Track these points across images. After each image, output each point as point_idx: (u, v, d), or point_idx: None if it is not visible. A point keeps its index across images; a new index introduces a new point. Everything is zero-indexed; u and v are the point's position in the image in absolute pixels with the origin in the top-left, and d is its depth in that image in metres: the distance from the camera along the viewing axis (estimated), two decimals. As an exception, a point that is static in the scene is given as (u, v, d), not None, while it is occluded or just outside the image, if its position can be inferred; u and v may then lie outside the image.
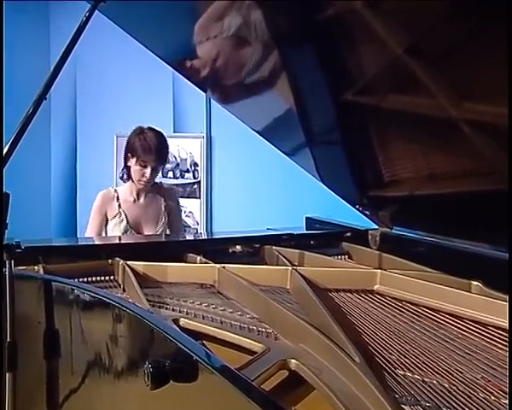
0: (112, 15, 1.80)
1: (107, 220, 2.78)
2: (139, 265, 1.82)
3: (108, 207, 2.78)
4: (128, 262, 1.82)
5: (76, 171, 4.97)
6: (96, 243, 2.54)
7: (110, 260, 1.90)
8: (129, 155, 2.75)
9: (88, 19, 1.36)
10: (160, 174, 2.93)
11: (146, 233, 2.80)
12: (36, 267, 1.81)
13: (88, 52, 4.31)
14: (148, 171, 2.70)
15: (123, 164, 2.83)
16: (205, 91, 2.35)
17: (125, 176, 2.83)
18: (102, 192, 2.84)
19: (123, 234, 2.74)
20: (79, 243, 2.58)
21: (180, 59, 2.02)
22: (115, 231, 2.76)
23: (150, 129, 2.76)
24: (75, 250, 2.09)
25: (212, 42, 1.79)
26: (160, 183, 2.96)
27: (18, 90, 4.43)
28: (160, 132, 2.76)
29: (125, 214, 2.77)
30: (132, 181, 2.79)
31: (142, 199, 2.83)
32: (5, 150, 1.30)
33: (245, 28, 1.68)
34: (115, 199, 2.79)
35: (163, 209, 2.85)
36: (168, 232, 2.86)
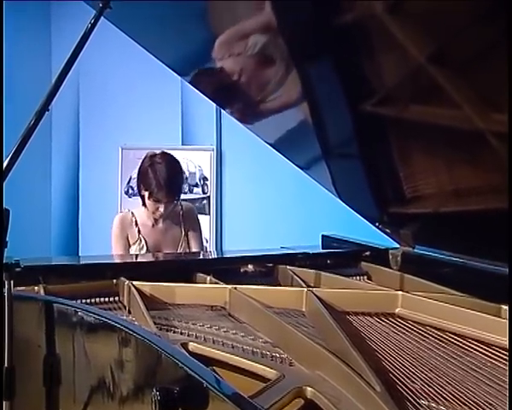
0: (117, 21, 1.82)
1: (129, 245, 2.79)
2: (145, 285, 1.82)
3: (129, 232, 2.80)
4: (134, 282, 1.83)
5: (78, 185, 4.99)
6: (100, 261, 2.54)
7: (115, 280, 1.91)
8: (142, 186, 2.75)
9: (93, 26, 1.37)
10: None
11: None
12: (36, 288, 1.82)
13: (92, 59, 4.33)
14: (161, 207, 2.71)
15: (137, 191, 2.83)
16: (223, 108, 2.36)
17: (141, 201, 2.82)
18: (120, 216, 2.86)
19: None
20: (82, 262, 2.59)
21: (197, 73, 2.04)
22: None
23: (162, 157, 2.73)
24: (77, 269, 2.10)
25: (235, 59, 1.80)
26: (180, 203, 2.96)
27: (19, 94, 4.50)
28: (171, 162, 2.75)
29: (145, 240, 2.78)
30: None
31: (160, 223, 2.83)
32: (5, 164, 1.30)
33: (270, 46, 1.70)
34: (134, 223, 2.80)
35: (182, 234, 2.86)
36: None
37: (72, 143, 5.15)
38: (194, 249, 2.90)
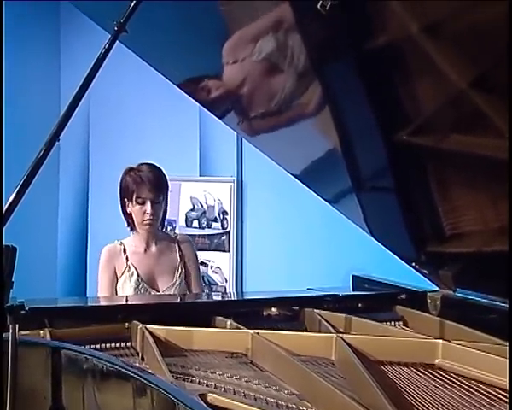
0: (132, 45, 1.85)
1: (117, 278, 2.81)
2: (160, 329, 1.83)
3: (116, 262, 2.83)
4: (148, 326, 1.83)
5: (87, 220, 5.02)
6: (110, 303, 2.56)
7: (127, 324, 1.91)
8: (125, 200, 2.82)
9: (108, 50, 1.40)
10: (183, 223, 2.96)
11: (161, 286, 2.82)
12: (41, 332, 1.83)
13: (103, 85, 4.40)
14: (147, 206, 2.75)
15: (122, 214, 2.88)
16: (221, 117, 2.34)
17: (129, 226, 2.88)
18: (107, 247, 2.89)
19: (135, 290, 2.77)
20: (91, 304, 2.59)
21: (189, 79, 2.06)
22: (126, 288, 2.79)
23: (141, 164, 2.84)
24: (86, 312, 2.11)
25: (240, 65, 1.82)
26: (174, 233, 2.99)
27: (26, 121, 4.59)
28: (152, 164, 2.84)
29: (135, 267, 2.80)
30: (136, 230, 2.84)
31: (153, 248, 2.86)
32: (10, 199, 1.32)
33: (279, 53, 1.71)
34: (122, 252, 2.84)
35: (179, 259, 2.88)
36: (186, 287, 2.87)
37: (81, 176, 5.19)
38: (192, 277, 2.90)
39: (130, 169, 2.82)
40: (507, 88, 1.08)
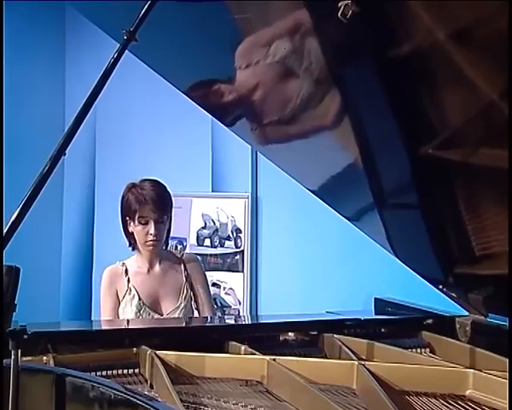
0: (139, 52, 1.86)
1: (119, 302, 2.82)
2: (170, 355, 1.82)
3: (118, 285, 2.83)
4: (157, 352, 1.83)
5: (92, 240, 5.04)
6: (117, 327, 2.56)
7: (135, 349, 1.91)
8: (126, 218, 2.82)
9: (116, 60, 1.41)
10: (194, 242, 2.96)
11: (165, 310, 2.82)
12: (45, 358, 1.83)
13: (110, 97, 4.42)
14: (150, 227, 2.75)
15: (123, 232, 2.88)
16: (231, 125, 2.34)
17: (131, 246, 2.88)
18: (108, 269, 2.89)
19: (136, 314, 2.77)
20: (96, 328, 2.59)
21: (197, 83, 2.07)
22: (127, 312, 2.79)
23: (144, 180, 2.84)
24: (91, 336, 2.10)
25: (253, 69, 1.83)
26: (181, 252, 2.99)
27: (29, 137, 4.63)
28: (155, 180, 2.85)
29: (136, 289, 2.80)
30: (139, 250, 2.85)
31: (157, 268, 2.87)
32: (13, 218, 1.32)
33: (294, 57, 1.72)
34: (123, 274, 2.85)
35: (184, 280, 2.87)
36: (191, 310, 2.87)
37: (86, 192, 5.21)
38: (202, 299, 2.90)
39: (133, 186, 2.82)
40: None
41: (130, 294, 2.80)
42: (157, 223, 2.76)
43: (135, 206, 2.76)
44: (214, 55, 1.88)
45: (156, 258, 2.86)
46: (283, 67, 1.76)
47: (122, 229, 2.88)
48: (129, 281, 2.82)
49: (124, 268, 2.85)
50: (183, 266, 2.90)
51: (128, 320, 2.73)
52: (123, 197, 2.84)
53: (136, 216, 2.76)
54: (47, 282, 5.16)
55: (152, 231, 2.75)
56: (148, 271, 2.86)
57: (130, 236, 2.85)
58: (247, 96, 1.94)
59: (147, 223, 2.76)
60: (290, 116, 1.95)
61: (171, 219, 2.86)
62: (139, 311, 2.77)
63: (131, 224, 2.80)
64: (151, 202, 2.75)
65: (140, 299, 2.79)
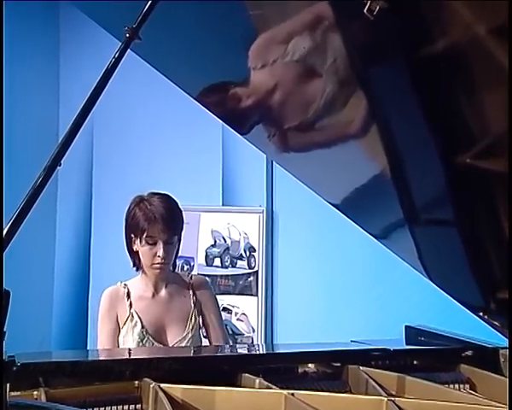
0: (142, 51, 1.86)
1: (119, 329, 2.80)
2: (177, 388, 1.82)
3: (119, 309, 2.82)
4: (161, 385, 1.82)
5: (89, 259, 5.05)
6: (117, 357, 2.55)
7: (137, 382, 1.91)
8: (132, 236, 2.80)
9: (118, 61, 1.40)
10: (202, 261, 2.95)
11: (171, 339, 2.81)
12: (35, 392, 1.82)
13: (108, 100, 4.43)
14: (159, 248, 2.74)
15: (127, 250, 2.87)
16: (246, 133, 2.35)
17: (135, 266, 2.87)
18: (108, 291, 2.87)
19: (138, 344, 2.75)
20: (93, 358, 2.59)
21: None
22: (128, 341, 2.77)
23: (152, 194, 2.83)
24: (88, 368, 2.10)
25: (269, 69, 1.83)
26: (190, 274, 2.98)
27: (21, 146, 4.66)
28: (166, 195, 2.83)
29: (139, 316, 2.78)
30: (144, 271, 2.83)
31: (162, 292, 2.85)
32: (3, 233, 1.32)
33: (316, 55, 1.72)
34: (125, 296, 2.83)
35: (192, 306, 2.86)
36: (199, 340, 2.86)
37: (82, 207, 5.23)
38: (214, 330, 2.89)
39: (141, 200, 2.79)
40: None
41: (132, 320, 2.78)
42: (166, 244, 2.75)
43: (143, 224, 2.74)
44: (227, 54, 1.89)
45: (162, 281, 2.85)
46: (303, 66, 1.76)
47: (126, 247, 2.87)
48: (131, 305, 2.81)
49: (125, 290, 2.83)
50: (191, 290, 2.89)
51: (129, 349, 2.73)
52: (129, 212, 2.82)
53: (144, 235, 2.74)
54: (38, 305, 5.16)
55: (160, 253, 2.74)
56: (153, 295, 2.84)
57: (134, 255, 2.83)
58: (263, 99, 1.94)
59: (155, 243, 2.74)
60: (311, 122, 1.95)
61: (180, 240, 2.85)
62: (141, 340, 2.76)
63: (137, 242, 2.78)
64: (161, 221, 2.72)
65: (143, 327, 2.77)
